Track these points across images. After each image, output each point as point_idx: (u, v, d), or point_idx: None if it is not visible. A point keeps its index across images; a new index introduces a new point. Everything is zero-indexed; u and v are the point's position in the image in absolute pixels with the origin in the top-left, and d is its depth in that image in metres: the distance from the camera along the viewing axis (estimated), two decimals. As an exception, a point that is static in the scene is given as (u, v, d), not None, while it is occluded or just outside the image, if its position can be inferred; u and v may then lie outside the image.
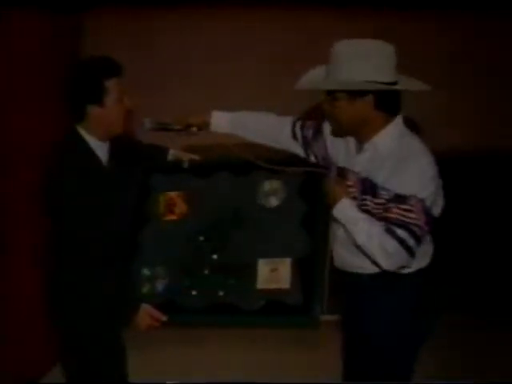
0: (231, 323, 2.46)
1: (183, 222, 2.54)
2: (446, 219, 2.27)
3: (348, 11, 3.64)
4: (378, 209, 2.22)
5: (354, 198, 2.27)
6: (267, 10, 3.70)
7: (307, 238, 2.41)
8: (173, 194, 2.59)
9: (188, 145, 2.73)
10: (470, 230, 3.91)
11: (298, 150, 2.56)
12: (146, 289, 2.44)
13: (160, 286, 2.44)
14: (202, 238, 2.49)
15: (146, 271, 2.47)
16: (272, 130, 2.58)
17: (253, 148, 2.58)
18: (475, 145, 3.90)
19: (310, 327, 2.40)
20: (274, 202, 2.51)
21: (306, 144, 2.53)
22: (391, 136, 2.22)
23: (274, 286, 2.36)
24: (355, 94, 2.16)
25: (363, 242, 2.19)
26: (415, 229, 2.15)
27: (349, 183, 2.30)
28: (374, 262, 2.24)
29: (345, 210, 2.24)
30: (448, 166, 2.32)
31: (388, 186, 2.18)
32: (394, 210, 2.15)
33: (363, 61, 2.12)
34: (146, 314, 2.35)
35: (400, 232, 2.14)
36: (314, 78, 2.29)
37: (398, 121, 2.24)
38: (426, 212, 2.15)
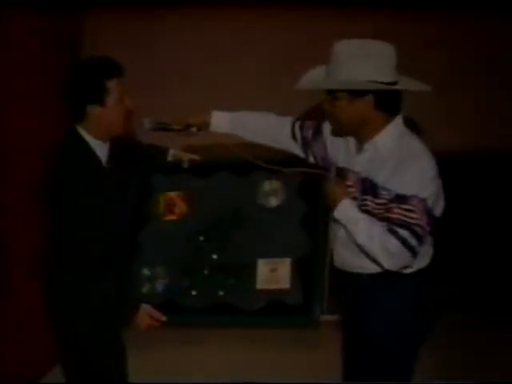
0: (231, 323, 2.46)
1: (183, 222, 2.54)
2: (446, 219, 2.27)
3: (348, 11, 3.63)
4: (378, 209, 2.22)
5: (355, 198, 2.27)
6: (267, 9, 3.69)
7: (307, 238, 2.41)
8: (173, 194, 2.60)
9: (188, 145, 2.73)
10: (470, 230, 3.90)
11: (298, 151, 2.56)
12: (145, 289, 2.45)
13: (160, 286, 2.44)
14: (201, 238, 2.49)
15: (145, 271, 2.47)
16: (272, 130, 2.58)
17: (253, 148, 2.58)
18: (475, 145, 3.89)
19: (310, 327, 2.41)
20: (273, 202, 2.51)
21: (306, 144, 2.53)
22: (391, 136, 2.22)
23: (273, 286, 2.36)
24: (355, 94, 2.16)
25: (364, 242, 2.20)
26: (417, 229, 2.15)
27: (349, 183, 2.30)
28: (376, 262, 2.24)
29: (345, 210, 2.24)
30: (448, 166, 2.32)
31: (388, 186, 2.18)
32: (396, 210, 2.15)
33: (363, 61, 2.12)
34: (146, 314, 2.36)
35: (402, 232, 2.14)
36: (314, 77, 2.29)
37: (398, 121, 2.24)
38: (428, 212, 2.16)
